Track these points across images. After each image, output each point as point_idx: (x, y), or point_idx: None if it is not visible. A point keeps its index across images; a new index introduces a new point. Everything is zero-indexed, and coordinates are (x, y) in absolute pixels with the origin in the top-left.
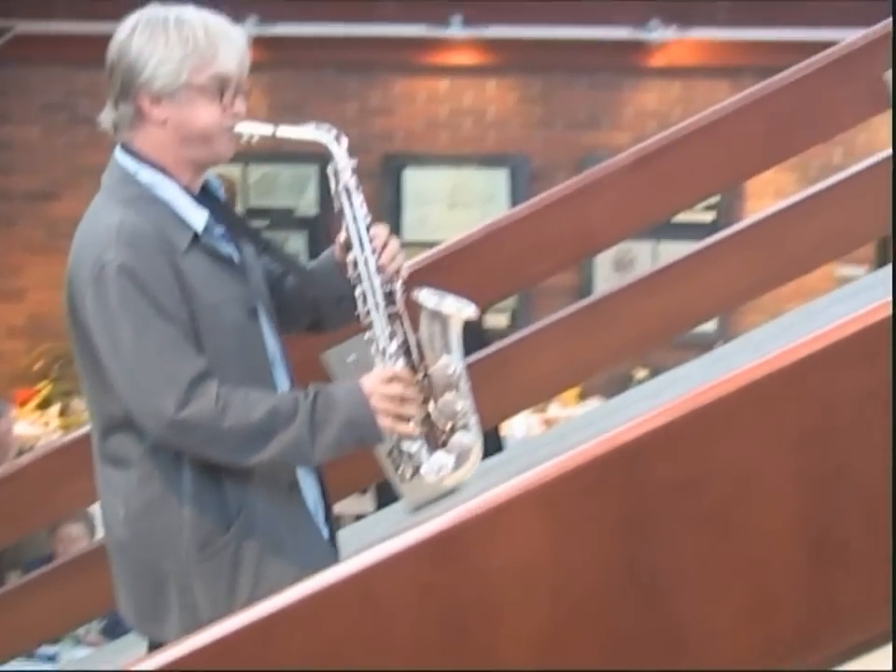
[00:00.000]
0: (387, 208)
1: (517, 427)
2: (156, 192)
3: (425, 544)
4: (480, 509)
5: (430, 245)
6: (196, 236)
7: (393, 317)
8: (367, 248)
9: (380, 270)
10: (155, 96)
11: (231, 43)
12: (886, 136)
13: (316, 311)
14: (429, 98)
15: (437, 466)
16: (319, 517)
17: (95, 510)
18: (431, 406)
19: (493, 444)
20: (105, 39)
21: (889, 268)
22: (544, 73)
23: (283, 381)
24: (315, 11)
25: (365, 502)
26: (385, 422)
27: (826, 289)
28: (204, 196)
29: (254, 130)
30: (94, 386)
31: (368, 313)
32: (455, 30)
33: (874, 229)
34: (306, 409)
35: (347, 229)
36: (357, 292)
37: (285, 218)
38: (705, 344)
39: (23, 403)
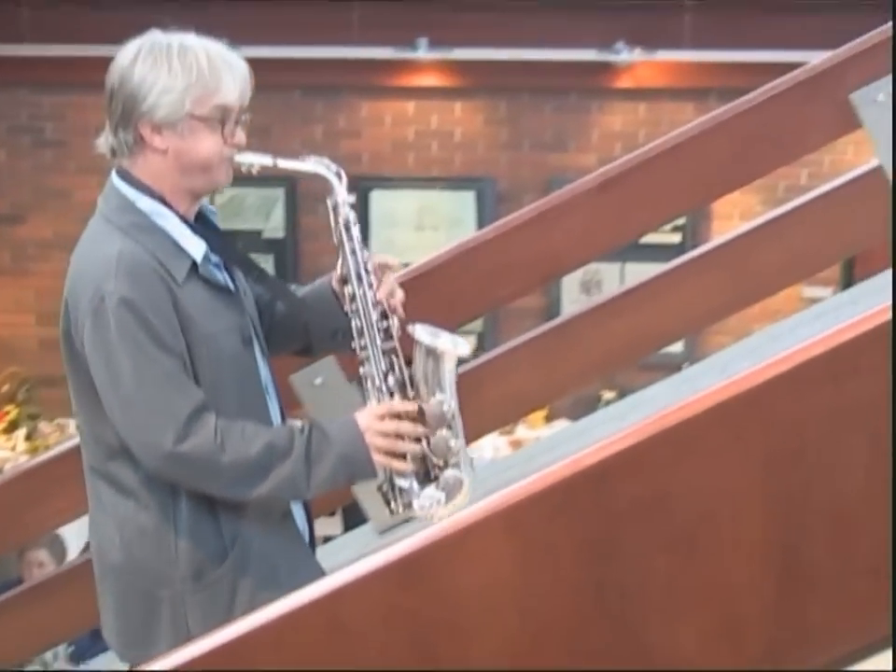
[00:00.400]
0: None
1: (485, 449)
2: (155, 220)
3: (393, 567)
4: (447, 531)
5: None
6: (194, 266)
7: (388, 353)
8: (365, 283)
9: (377, 305)
10: (156, 125)
11: (233, 73)
12: (852, 158)
13: (307, 336)
14: (396, 120)
15: (428, 501)
16: (305, 540)
17: (65, 532)
18: (424, 442)
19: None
20: (70, 62)
21: (855, 289)
22: (510, 95)
23: (274, 408)
24: (282, 34)
25: (333, 524)
26: (379, 458)
27: (792, 311)
28: (200, 223)
29: (254, 160)
30: (91, 413)
31: (363, 347)
32: (422, 52)
33: (840, 250)
34: (302, 444)
35: (346, 262)
36: (354, 326)
37: (252, 241)
38: (672, 366)
39: None
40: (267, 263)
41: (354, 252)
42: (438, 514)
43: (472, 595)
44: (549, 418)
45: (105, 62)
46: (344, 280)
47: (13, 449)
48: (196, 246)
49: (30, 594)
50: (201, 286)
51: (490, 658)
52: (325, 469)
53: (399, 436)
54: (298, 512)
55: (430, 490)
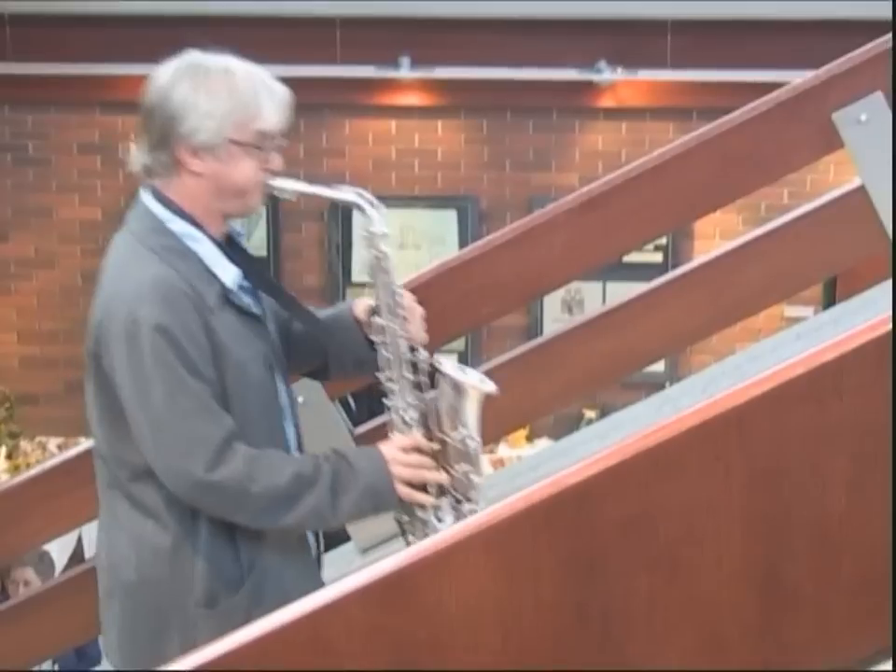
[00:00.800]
0: (337, 249)
1: None
2: (187, 243)
3: (375, 586)
4: (429, 550)
5: None
6: (224, 291)
7: (415, 386)
8: (397, 316)
9: (406, 339)
10: (194, 149)
11: (274, 99)
12: (833, 177)
13: (324, 360)
14: (378, 139)
15: None
16: (317, 566)
17: (52, 547)
18: (445, 476)
19: None
20: (53, 80)
21: (836, 309)
22: (492, 113)
23: (290, 431)
24: (265, 53)
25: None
26: (403, 490)
27: (774, 330)
28: (229, 245)
29: (289, 186)
30: (114, 433)
31: (390, 378)
32: (404, 71)
33: (821, 270)
34: (328, 474)
35: (379, 294)
36: (381, 357)
37: None
38: (654, 385)
39: None
40: None
41: (387, 285)
42: None
43: (454, 613)
44: (531, 437)
45: (88, 80)
46: (374, 311)
47: None
48: (228, 272)
49: (12, 611)
50: (232, 312)
51: None
52: (350, 499)
53: (423, 469)
54: (310, 537)
55: (449, 523)
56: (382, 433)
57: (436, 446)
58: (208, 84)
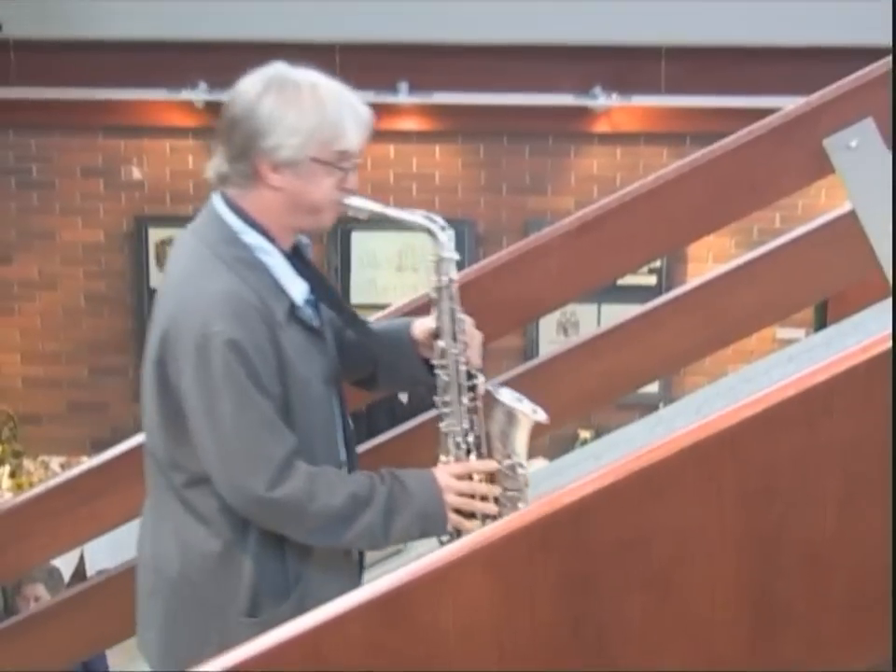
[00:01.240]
0: (336, 271)
1: None
2: (259, 256)
3: (373, 604)
4: (427, 569)
5: (379, 307)
6: (292, 306)
7: (472, 411)
8: (458, 342)
9: (466, 364)
10: (276, 164)
11: (357, 119)
12: (825, 202)
13: (373, 371)
14: (376, 163)
15: None
16: (355, 567)
17: (63, 563)
18: (494, 506)
19: None
20: (57, 104)
21: (828, 331)
22: (489, 138)
23: (342, 445)
24: None
25: None
26: (454, 518)
27: (766, 351)
28: (296, 255)
29: (365, 206)
30: (173, 440)
31: (447, 402)
32: (402, 96)
33: (813, 293)
34: (382, 496)
35: (442, 319)
36: (440, 380)
37: None
38: (648, 405)
39: None
40: None
41: (452, 311)
42: None
43: (452, 630)
44: (526, 457)
45: (91, 105)
46: (436, 335)
47: None
48: (298, 288)
49: (19, 627)
50: (299, 328)
51: None
52: (402, 522)
53: (474, 498)
54: (354, 552)
55: None
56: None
57: (489, 471)
58: (296, 100)
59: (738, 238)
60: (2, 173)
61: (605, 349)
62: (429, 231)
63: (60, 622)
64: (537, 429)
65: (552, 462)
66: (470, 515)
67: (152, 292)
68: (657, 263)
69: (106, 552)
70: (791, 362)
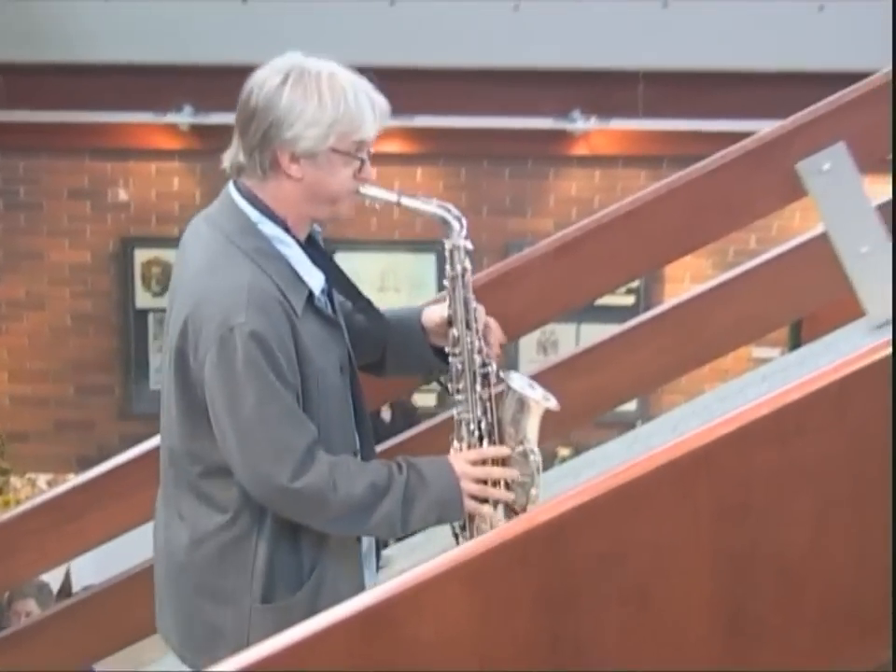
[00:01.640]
0: None
1: None
2: (277, 247)
3: (356, 617)
4: (409, 583)
5: None
6: (310, 296)
7: (484, 399)
8: (473, 330)
9: (480, 351)
10: (296, 155)
11: (375, 109)
12: (799, 223)
13: (381, 356)
14: None
15: None
16: (371, 560)
17: (50, 578)
18: (509, 493)
19: None
20: (44, 127)
21: (802, 351)
22: (470, 161)
23: (356, 433)
24: None
25: None
26: (469, 504)
27: (742, 370)
28: (310, 245)
29: (381, 195)
30: (190, 430)
31: (461, 390)
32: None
33: (787, 313)
34: (401, 485)
35: (456, 308)
36: (454, 368)
37: None
38: (626, 424)
39: None
40: None
41: (466, 300)
42: None
43: (433, 645)
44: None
45: (78, 127)
46: (450, 322)
47: None
48: (315, 278)
49: (8, 641)
50: (315, 318)
51: None
52: (420, 510)
53: (489, 484)
54: (365, 541)
55: None
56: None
57: (502, 457)
58: (317, 92)
59: (715, 259)
60: None
61: (584, 368)
62: (444, 221)
63: (48, 636)
64: None
65: None
66: (484, 501)
67: (138, 312)
68: (635, 284)
69: (92, 568)
70: (764, 381)
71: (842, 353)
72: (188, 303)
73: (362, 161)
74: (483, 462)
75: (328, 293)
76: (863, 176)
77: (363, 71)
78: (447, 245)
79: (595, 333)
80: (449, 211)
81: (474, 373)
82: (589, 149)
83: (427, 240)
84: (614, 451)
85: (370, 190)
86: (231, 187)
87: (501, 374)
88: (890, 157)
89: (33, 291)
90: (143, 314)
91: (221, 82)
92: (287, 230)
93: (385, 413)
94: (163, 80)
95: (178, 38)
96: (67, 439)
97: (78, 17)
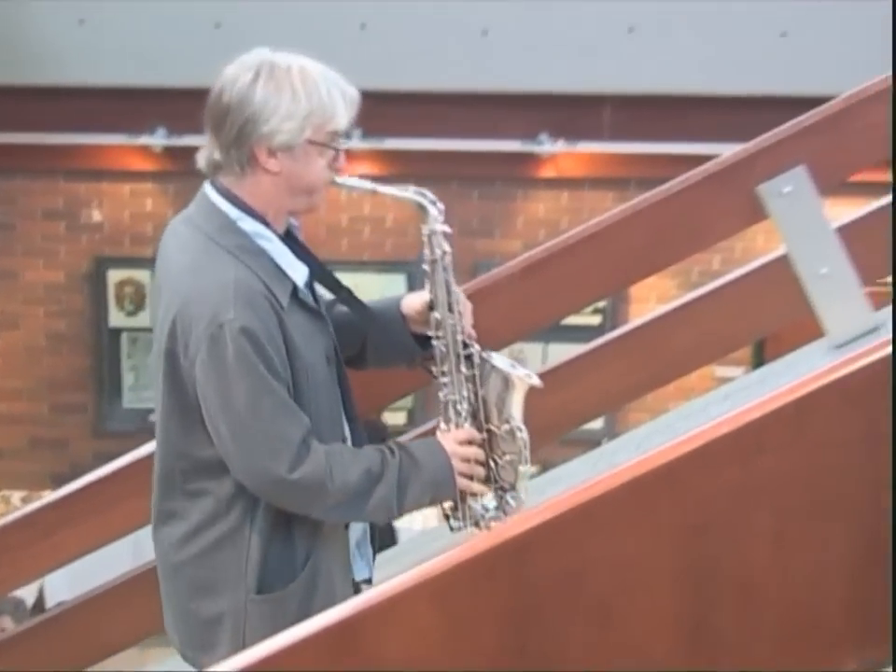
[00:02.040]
0: None
1: (414, 520)
2: (258, 242)
3: (324, 633)
4: (375, 600)
5: None
6: (294, 290)
7: (468, 380)
8: (453, 312)
9: (462, 332)
10: (273, 149)
11: (346, 99)
12: (762, 244)
13: (361, 348)
14: (330, 206)
15: (493, 522)
16: (367, 549)
17: (25, 594)
18: (492, 465)
19: (387, 537)
20: (20, 149)
21: (763, 370)
22: (439, 183)
23: (345, 422)
24: None
25: None
26: (461, 482)
27: (706, 389)
28: (288, 238)
29: (357, 184)
30: (182, 429)
31: (445, 372)
32: (356, 142)
33: (750, 333)
34: (394, 469)
35: (437, 291)
36: (437, 351)
37: None
38: (592, 441)
39: None
40: None
41: (447, 283)
42: None
43: (399, 660)
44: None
45: (53, 149)
46: (431, 307)
47: None
48: (299, 271)
49: None
50: (300, 311)
51: None
52: (414, 492)
53: (477, 462)
54: (358, 530)
55: (493, 511)
56: None
57: (491, 437)
58: (289, 86)
59: (680, 279)
60: None
61: (551, 386)
62: (420, 206)
63: (21, 651)
64: None
65: None
66: (478, 479)
67: (111, 331)
68: (602, 304)
69: (66, 583)
70: (727, 400)
71: (801, 372)
72: (174, 304)
73: (337, 151)
74: (471, 442)
75: (309, 286)
76: (823, 199)
77: None
78: (424, 231)
79: (563, 352)
80: (425, 196)
81: (458, 355)
82: (556, 172)
83: (396, 261)
84: (579, 468)
85: (346, 180)
86: (207, 187)
87: (484, 355)
88: (891, 158)
89: (7, 310)
90: (116, 333)
91: (194, 105)
92: (267, 225)
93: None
94: (137, 103)
95: (152, 62)
96: (41, 456)
97: (53, 40)
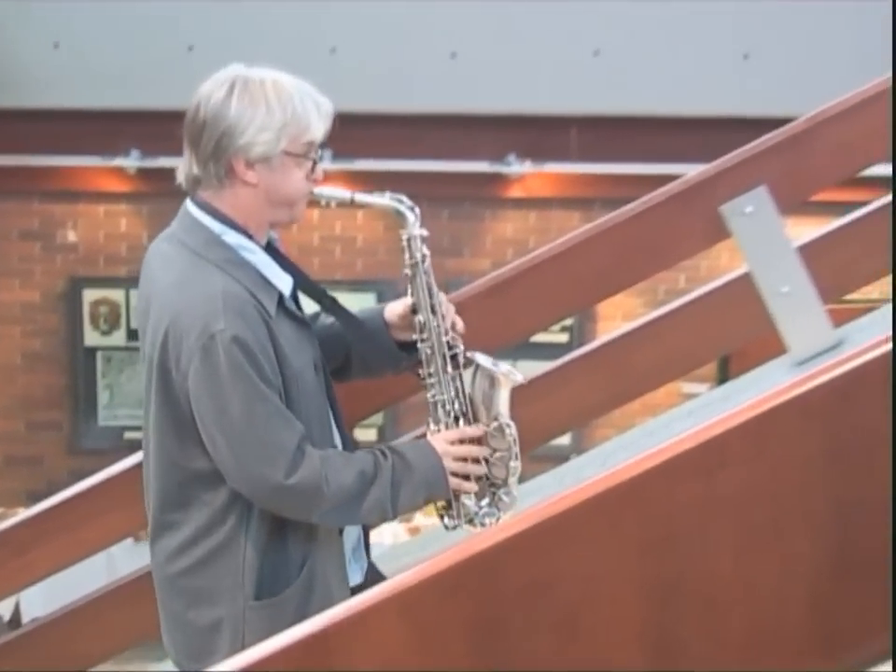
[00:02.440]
0: None
1: (384, 535)
2: (243, 255)
3: (294, 647)
4: (345, 614)
5: None
6: (280, 300)
7: (454, 380)
8: (436, 314)
9: (447, 334)
10: (250, 161)
11: (320, 110)
12: (726, 263)
13: (345, 359)
14: (302, 226)
15: (487, 519)
16: (361, 554)
17: (1, 610)
18: (485, 463)
19: None
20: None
21: (726, 387)
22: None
23: (335, 428)
24: None
25: None
26: (453, 481)
27: (672, 405)
28: (269, 250)
29: (332, 194)
30: (176, 439)
31: (431, 374)
32: (327, 163)
33: (714, 350)
34: (387, 470)
35: (419, 294)
36: (423, 353)
37: None
38: (560, 457)
39: None
40: None
41: (429, 285)
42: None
43: None
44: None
45: (28, 171)
46: (414, 310)
47: None
48: (284, 281)
49: None
50: (287, 320)
51: None
52: (408, 493)
53: (469, 461)
54: (353, 534)
55: (486, 507)
56: None
57: (480, 435)
58: (263, 99)
59: (646, 298)
60: None
61: (519, 403)
62: (398, 212)
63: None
64: None
65: None
66: (465, 478)
67: (86, 350)
68: (569, 321)
69: (41, 598)
70: (690, 416)
71: (763, 389)
72: (165, 317)
73: (314, 162)
74: (462, 441)
75: (293, 297)
76: (785, 218)
77: None
78: (403, 236)
79: (531, 369)
80: (402, 202)
81: (444, 356)
82: (524, 192)
83: (367, 280)
84: (547, 483)
85: (324, 191)
86: (189, 204)
87: (468, 354)
88: (891, 161)
89: None
90: (91, 352)
91: (167, 127)
92: (250, 237)
93: None
94: (111, 125)
95: (125, 84)
96: (17, 474)
97: (28, 63)
